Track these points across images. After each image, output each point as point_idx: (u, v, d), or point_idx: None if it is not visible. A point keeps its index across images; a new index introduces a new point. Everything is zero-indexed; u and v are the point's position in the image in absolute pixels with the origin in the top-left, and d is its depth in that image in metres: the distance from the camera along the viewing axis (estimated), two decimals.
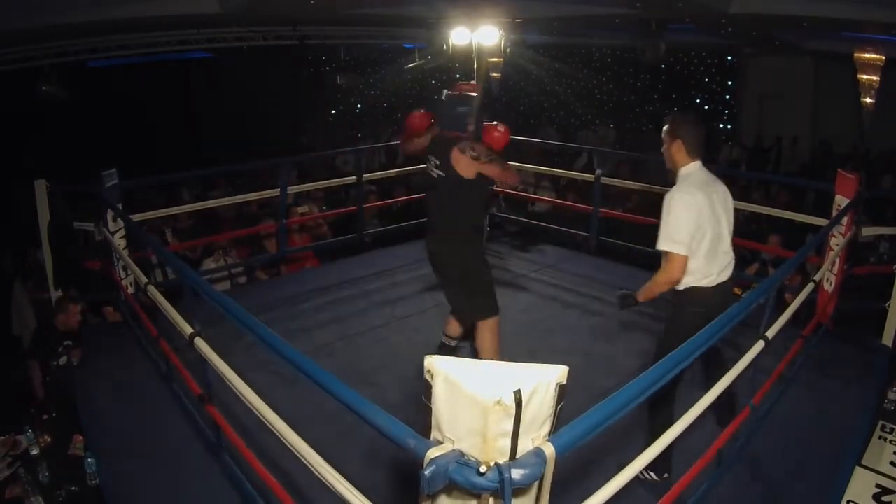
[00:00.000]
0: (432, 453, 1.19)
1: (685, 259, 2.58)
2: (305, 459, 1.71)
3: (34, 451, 3.25)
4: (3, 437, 3.33)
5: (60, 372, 4.10)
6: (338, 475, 1.57)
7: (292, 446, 1.79)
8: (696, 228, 2.56)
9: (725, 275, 2.74)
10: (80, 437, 3.29)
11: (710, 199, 2.63)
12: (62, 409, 3.64)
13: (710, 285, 2.67)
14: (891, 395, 3.27)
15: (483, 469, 1.15)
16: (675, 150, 2.67)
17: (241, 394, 1.95)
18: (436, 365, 1.26)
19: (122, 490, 2.87)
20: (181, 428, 3.13)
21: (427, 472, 1.16)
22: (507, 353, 3.96)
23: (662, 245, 2.58)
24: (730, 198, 2.80)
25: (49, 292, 4.54)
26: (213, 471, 2.80)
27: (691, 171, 2.67)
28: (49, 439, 3.34)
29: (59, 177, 4.52)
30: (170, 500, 2.79)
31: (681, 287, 2.69)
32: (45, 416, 3.55)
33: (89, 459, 3.02)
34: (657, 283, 2.67)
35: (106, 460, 3.02)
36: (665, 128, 2.71)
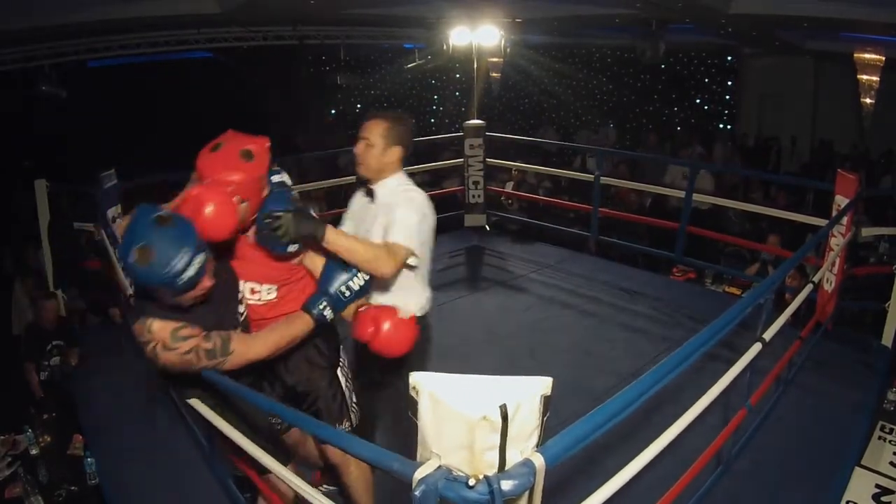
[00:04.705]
0: (419, 473, 1.19)
1: None
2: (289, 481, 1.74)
3: (34, 451, 3.26)
4: (3, 437, 3.33)
5: (56, 372, 4.11)
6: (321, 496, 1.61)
7: (275, 472, 1.82)
8: None
9: None
10: (80, 437, 3.30)
11: None
12: (62, 409, 3.65)
13: None
14: (890, 396, 3.28)
15: (472, 482, 1.16)
16: None
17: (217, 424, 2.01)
18: (421, 381, 1.27)
19: (122, 490, 2.87)
20: (180, 428, 3.13)
21: (417, 493, 1.17)
22: (507, 353, 3.97)
23: None
24: None
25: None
26: (211, 471, 2.80)
27: None
28: (49, 439, 3.35)
29: (59, 177, 4.52)
30: (169, 500, 2.80)
31: None
32: (45, 416, 3.56)
33: (89, 459, 3.03)
34: None
35: (106, 460, 3.02)
36: None
